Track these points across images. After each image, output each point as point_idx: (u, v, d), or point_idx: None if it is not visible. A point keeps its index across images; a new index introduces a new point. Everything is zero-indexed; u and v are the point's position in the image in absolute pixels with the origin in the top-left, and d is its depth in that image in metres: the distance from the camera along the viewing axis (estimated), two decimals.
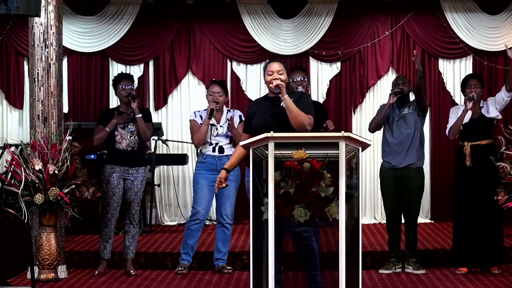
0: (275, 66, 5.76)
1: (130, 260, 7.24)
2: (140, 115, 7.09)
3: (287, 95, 5.64)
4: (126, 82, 7.22)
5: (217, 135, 7.18)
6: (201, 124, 7.17)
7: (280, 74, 5.72)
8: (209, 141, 7.18)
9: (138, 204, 7.25)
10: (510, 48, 7.08)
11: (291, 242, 6.37)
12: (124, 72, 8.15)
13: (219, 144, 7.19)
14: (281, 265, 5.89)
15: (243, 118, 7.20)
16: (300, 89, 6.79)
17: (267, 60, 5.95)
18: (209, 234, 8.55)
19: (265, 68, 5.83)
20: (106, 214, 7.17)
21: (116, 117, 7.16)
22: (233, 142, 7.21)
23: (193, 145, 8.37)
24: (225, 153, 7.18)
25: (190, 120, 7.34)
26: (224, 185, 5.73)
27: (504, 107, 7.25)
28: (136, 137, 7.18)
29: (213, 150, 7.18)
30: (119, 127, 7.17)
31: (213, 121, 7.17)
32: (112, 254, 7.37)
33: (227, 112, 7.28)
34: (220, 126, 7.21)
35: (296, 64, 9.31)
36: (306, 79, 7.00)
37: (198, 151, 7.30)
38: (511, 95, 7.10)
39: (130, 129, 7.18)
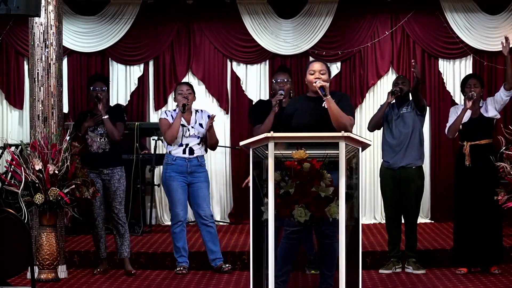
0: (317, 65, 5.83)
1: (127, 259, 7.24)
2: (107, 117, 7.11)
3: (329, 96, 5.68)
4: (97, 83, 7.26)
5: (189, 135, 7.18)
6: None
7: (322, 74, 5.77)
8: (180, 141, 7.17)
9: (120, 203, 7.23)
10: (506, 42, 7.08)
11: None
12: (98, 73, 8.16)
13: (190, 145, 7.17)
14: (293, 266, 5.94)
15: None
16: (281, 92, 6.87)
17: (310, 59, 6.00)
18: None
19: (306, 68, 5.88)
20: (93, 215, 7.21)
21: (87, 120, 7.21)
22: (203, 142, 7.22)
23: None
24: (195, 155, 7.18)
25: (160, 118, 7.33)
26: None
27: (503, 107, 7.25)
28: (106, 139, 7.20)
29: (183, 152, 7.16)
30: (89, 130, 7.21)
31: (183, 121, 7.16)
32: (112, 254, 7.38)
33: (196, 113, 7.27)
34: (192, 127, 7.19)
35: (281, 64, 9.31)
36: (289, 81, 7.05)
37: (167, 152, 7.26)
38: (510, 94, 7.10)
39: (100, 132, 7.21)
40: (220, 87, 9.77)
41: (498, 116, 7.21)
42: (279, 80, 7.05)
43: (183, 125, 7.16)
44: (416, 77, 7.01)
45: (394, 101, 7.19)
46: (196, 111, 7.30)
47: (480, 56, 9.63)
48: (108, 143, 7.21)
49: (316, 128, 5.35)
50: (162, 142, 9.37)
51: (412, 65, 7.07)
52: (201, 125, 7.21)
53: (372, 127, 7.34)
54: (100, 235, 7.22)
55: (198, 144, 7.20)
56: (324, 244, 5.81)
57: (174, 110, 7.29)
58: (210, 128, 7.16)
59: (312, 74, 5.79)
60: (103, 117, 7.12)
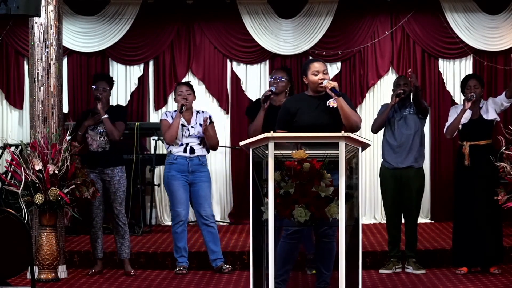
0: (319, 65, 5.82)
1: (127, 260, 7.23)
2: (106, 116, 7.10)
3: (341, 96, 5.72)
4: (100, 83, 7.26)
5: (189, 135, 7.18)
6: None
7: (325, 74, 5.79)
8: (180, 141, 7.17)
9: (121, 204, 7.21)
10: None
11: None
12: (102, 73, 8.14)
13: (190, 145, 7.18)
14: (293, 265, 5.95)
15: (213, 120, 7.28)
16: (273, 88, 6.92)
17: (309, 59, 5.99)
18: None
19: (306, 68, 5.85)
20: (91, 214, 7.19)
21: (87, 119, 7.21)
22: (204, 143, 7.22)
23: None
24: (196, 154, 7.18)
25: (161, 120, 7.32)
26: None
27: (503, 110, 7.26)
28: (105, 138, 7.19)
29: (184, 151, 7.17)
30: (89, 129, 7.21)
31: (183, 121, 7.16)
32: (112, 254, 7.38)
33: (197, 114, 7.27)
34: (192, 127, 7.19)
35: (281, 64, 9.33)
36: (285, 79, 7.02)
37: (168, 151, 7.27)
38: (510, 101, 7.10)
39: (99, 131, 7.20)
40: (220, 87, 9.77)
41: (498, 119, 7.20)
42: (274, 77, 7.07)
43: (183, 125, 7.16)
44: (414, 85, 7.00)
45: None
46: (198, 111, 7.30)
47: (480, 56, 9.63)
48: (108, 142, 7.20)
49: (325, 128, 5.36)
50: (162, 142, 9.39)
51: (408, 75, 7.03)
52: (201, 125, 7.21)
53: (376, 129, 7.34)
54: (97, 235, 7.21)
55: (199, 144, 7.20)
56: (322, 243, 5.81)
57: (175, 111, 7.29)
58: (206, 130, 7.15)
59: (316, 75, 5.79)
60: (102, 117, 7.12)
